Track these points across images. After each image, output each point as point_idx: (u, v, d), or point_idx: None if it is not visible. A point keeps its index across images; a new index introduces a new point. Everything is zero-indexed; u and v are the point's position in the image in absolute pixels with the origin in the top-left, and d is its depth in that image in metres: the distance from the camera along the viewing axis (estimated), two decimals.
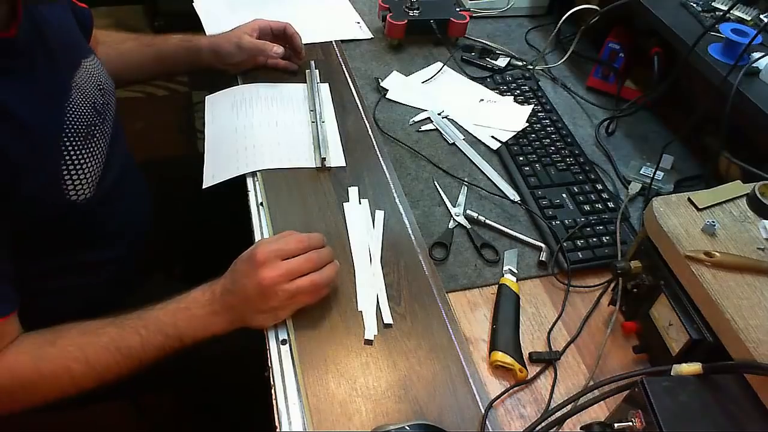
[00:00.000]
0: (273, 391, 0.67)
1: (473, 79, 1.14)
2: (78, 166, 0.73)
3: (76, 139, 0.74)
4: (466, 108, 1.07)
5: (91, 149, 0.76)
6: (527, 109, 1.07)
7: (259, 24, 1.07)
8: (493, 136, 1.02)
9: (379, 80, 1.11)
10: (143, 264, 0.95)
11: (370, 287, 0.77)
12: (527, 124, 1.04)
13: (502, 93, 1.11)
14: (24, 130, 0.65)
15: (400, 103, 1.08)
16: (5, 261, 0.65)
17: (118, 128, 0.88)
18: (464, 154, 0.99)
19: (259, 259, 0.70)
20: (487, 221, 0.87)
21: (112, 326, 0.70)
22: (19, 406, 0.69)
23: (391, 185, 0.91)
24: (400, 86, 1.11)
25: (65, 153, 0.72)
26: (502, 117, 1.06)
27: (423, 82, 1.12)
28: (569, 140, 1.02)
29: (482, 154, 0.99)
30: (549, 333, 0.76)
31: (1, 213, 0.63)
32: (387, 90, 1.09)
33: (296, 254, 0.71)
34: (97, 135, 0.79)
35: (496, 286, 0.79)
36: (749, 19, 0.96)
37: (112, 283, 0.88)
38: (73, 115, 0.74)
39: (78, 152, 0.73)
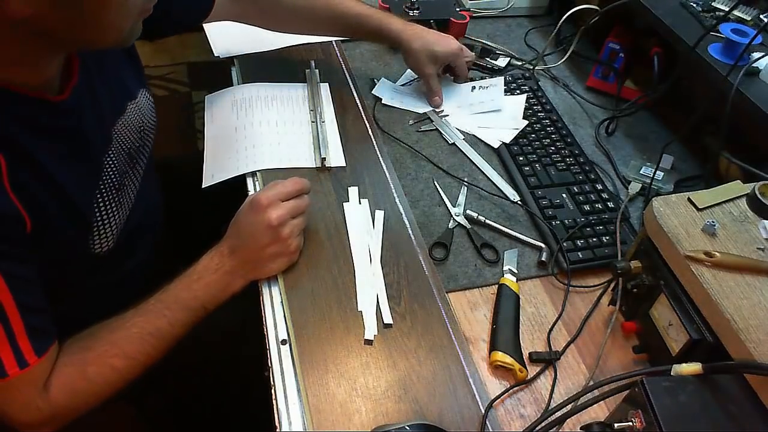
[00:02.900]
0: (273, 391, 0.67)
1: (473, 79, 1.14)
2: (106, 220, 0.73)
3: (110, 193, 0.73)
4: (466, 107, 1.07)
5: (121, 200, 0.76)
6: (521, 98, 1.07)
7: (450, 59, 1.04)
8: (493, 136, 1.02)
9: (372, 88, 1.09)
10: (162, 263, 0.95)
11: (370, 287, 0.77)
12: (527, 123, 1.04)
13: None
14: (61, 192, 0.65)
15: (398, 108, 1.07)
16: (38, 296, 0.64)
17: (151, 163, 0.87)
18: (464, 154, 0.99)
19: (263, 203, 0.74)
20: (487, 221, 0.87)
21: (136, 316, 0.71)
22: (79, 414, 0.69)
23: (391, 185, 0.91)
24: (390, 92, 1.09)
25: (96, 209, 0.71)
26: (502, 117, 1.05)
27: (408, 83, 1.11)
28: (569, 140, 1.02)
29: (482, 154, 0.99)
30: (549, 333, 0.76)
31: (29, 257, 0.62)
32: (381, 98, 1.08)
33: (294, 195, 0.76)
34: (127, 183, 0.78)
35: (496, 286, 0.79)
36: (749, 19, 0.96)
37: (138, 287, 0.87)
38: (110, 168, 0.74)
39: (108, 206, 0.73)
